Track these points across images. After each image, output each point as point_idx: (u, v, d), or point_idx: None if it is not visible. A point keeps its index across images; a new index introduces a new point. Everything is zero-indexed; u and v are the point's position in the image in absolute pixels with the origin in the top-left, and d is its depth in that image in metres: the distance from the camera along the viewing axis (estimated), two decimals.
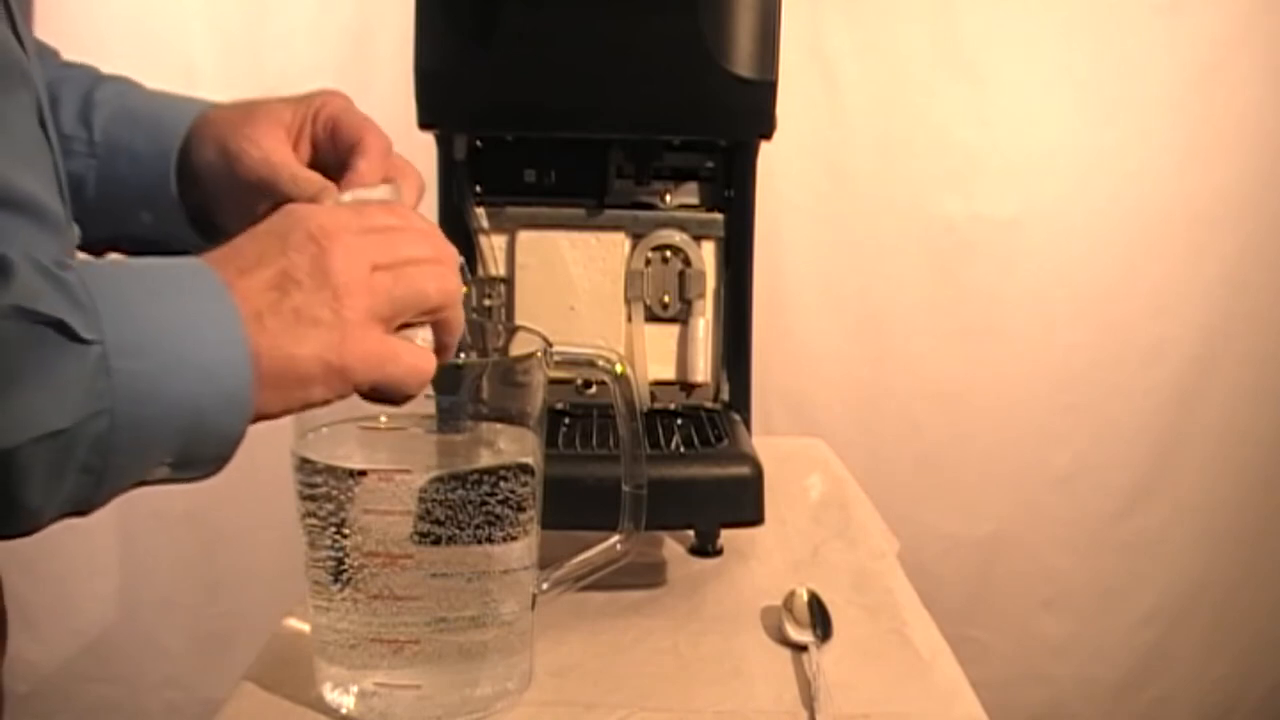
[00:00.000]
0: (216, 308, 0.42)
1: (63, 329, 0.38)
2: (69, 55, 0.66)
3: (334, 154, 0.62)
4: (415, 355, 0.49)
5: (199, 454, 0.43)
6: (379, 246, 0.48)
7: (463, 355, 0.69)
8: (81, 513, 0.42)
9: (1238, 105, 1.51)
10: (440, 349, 0.51)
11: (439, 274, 0.50)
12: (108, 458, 0.40)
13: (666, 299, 0.94)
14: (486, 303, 0.93)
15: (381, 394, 0.48)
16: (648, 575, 0.84)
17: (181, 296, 0.42)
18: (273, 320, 0.43)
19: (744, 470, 0.80)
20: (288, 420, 0.62)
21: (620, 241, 0.94)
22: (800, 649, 0.72)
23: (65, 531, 1.51)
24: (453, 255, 0.51)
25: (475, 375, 0.64)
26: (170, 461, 0.42)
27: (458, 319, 0.51)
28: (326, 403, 0.47)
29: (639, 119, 0.87)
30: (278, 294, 0.44)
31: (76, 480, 0.40)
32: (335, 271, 0.45)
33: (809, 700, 0.65)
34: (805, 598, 0.76)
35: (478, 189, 0.94)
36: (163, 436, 0.41)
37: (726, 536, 0.90)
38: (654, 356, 0.95)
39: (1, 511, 0.40)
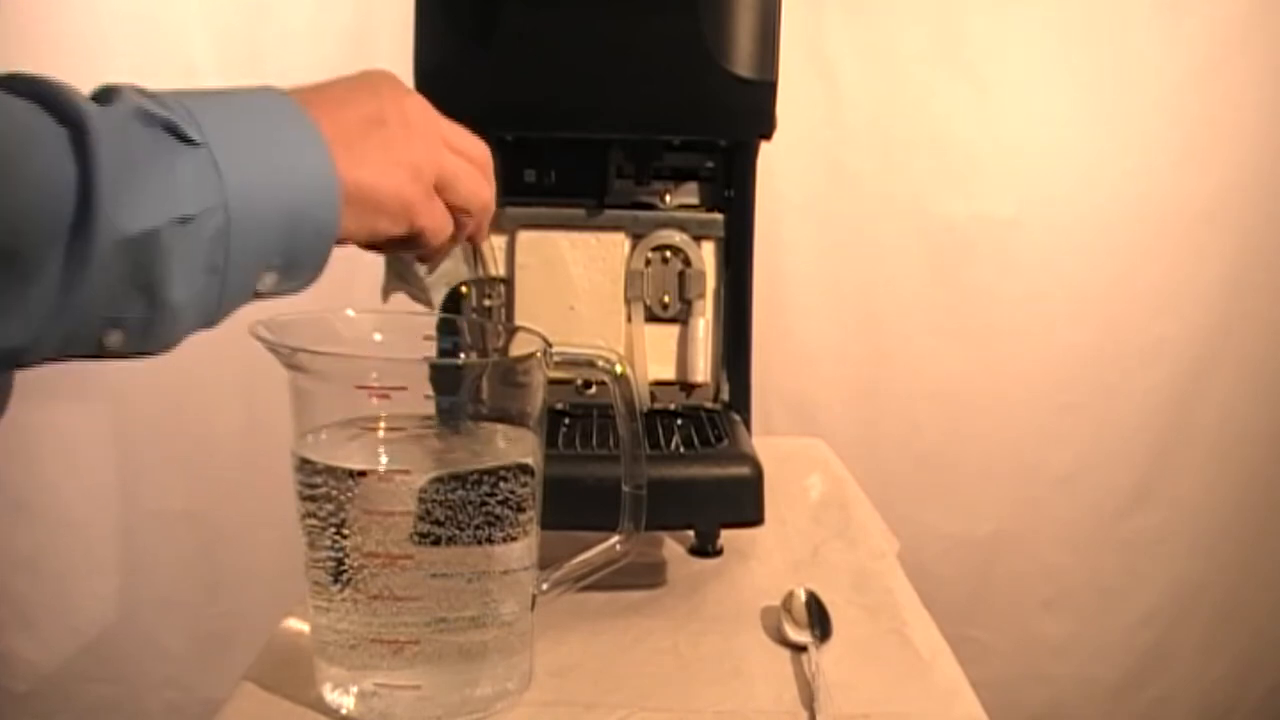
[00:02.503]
0: (302, 128, 0.46)
1: (173, 130, 0.42)
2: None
3: None
4: (447, 216, 0.54)
5: (301, 255, 0.47)
6: (449, 127, 0.53)
7: (462, 355, 0.69)
8: (207, 324, 0.46)
9: (1237, 105, 1.51)
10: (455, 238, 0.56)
11: (488, 184, 0.55)
12: (228, 254, 0.43)
13: (666, 299, 0.94)
14: (486, 303, 0.93)
15: (415, 244, 0.53)
16: (648, 575, 0.84)
17: (269, 115, 0.46)
18: (359, 147, 0.48)
19: (744, 470, 0.80)
20: (287, 420, 0.62)
21: (620, 241, 0.94)
22: (800, 649, 0.72)
23: (65, 531, 1.51)
24: (492, 181, 0.56)
25: (475, 375, 0.64)
26: (278, 264, 0.46)
27: (485, 230, 0.57)
28: (388, 241, 0.51)
29: (639, 119, 0.87)
30: (362, 130, 0.49)
31: (205, 281, 0.43)
32: (416, 124, 0.51)
33: (809, 700, 0.65)
34: (804, 598, 0.76)
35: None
36: (271, 233, 0.45)
37: (726, 536, 0.90)
38: (654, 356, 0.95)
39: (147, 309, 0.42)
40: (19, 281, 0.39)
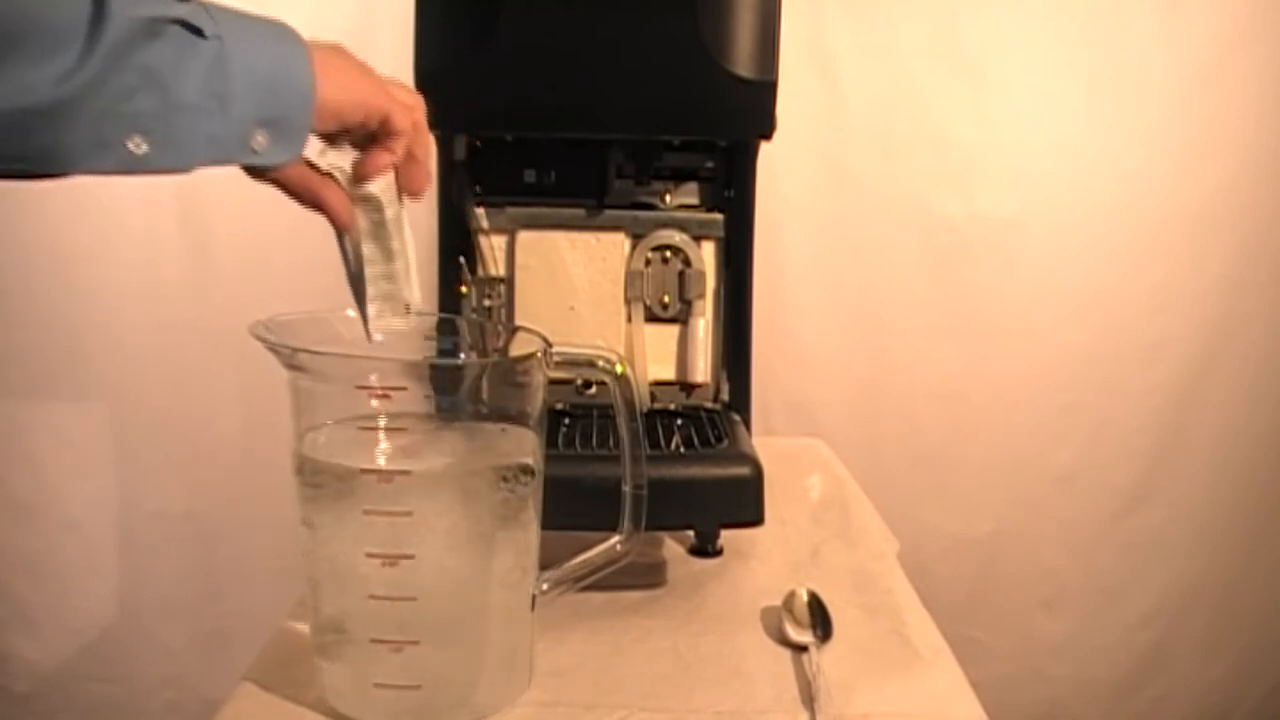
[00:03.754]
0: (295, 42, 0.56)
1: (191, 28, 0.50)
2: None
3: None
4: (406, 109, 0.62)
5: (287, 111, 0.55)
6: (389, 79, 0.62)
7: (462, 355, 0.69)
8: (218, 156, 0.53)
9: (1238, 105, 1.51)
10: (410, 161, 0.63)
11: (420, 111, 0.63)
12: (226, 82, 0.51)
13: (666, 299, 0.94)
14: (486, 303, 0.93)
15: (383, 131, 0.61)
16: (648, 575, 0.84)
17: (268, 25, 0.55)
18: (331, 59, 0.58)
19: (744, 470, 0.80)
20: (288, 420, 0.62)
21: (620, 241, 0.94)
22: (800, 649, 0.72)
23: (65, 531, 1.51)
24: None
25: (475, 375, 0.64)
26: (267, 117, 0.53)
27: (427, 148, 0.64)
28: (344, 131, 0.60)
29: (639, 119, 0.87)
30: (332, 50, 0.58)
31: (209, 97, 0.51)
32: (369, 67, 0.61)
33: (809, 700, 0.65)
34: (805, 598, 0.77)
35: (478, 189, 0.94)
36: (260, 80, 0.53)
37: (726, 536, 0.90)
38: (654, 356, 0.95)
39: (161, 105, 0.49)
40: (49, 40, 0.46)
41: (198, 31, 0.50)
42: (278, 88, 0.54)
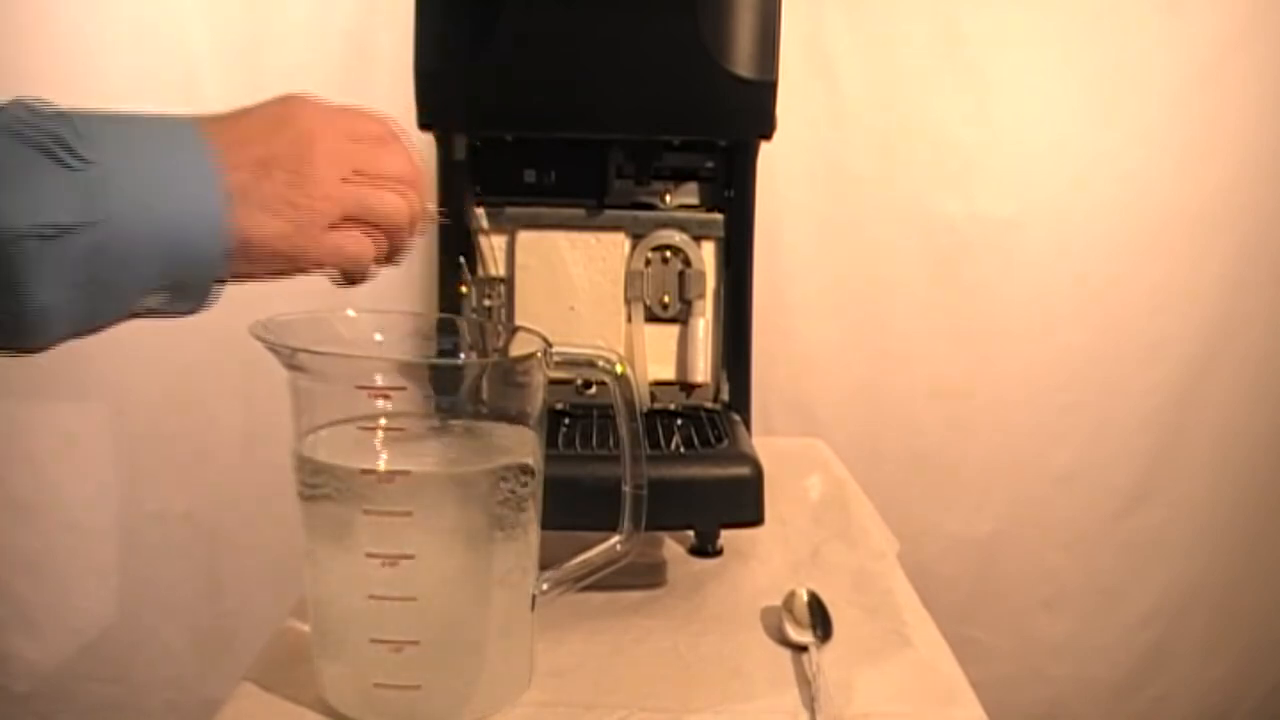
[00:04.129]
0: (200, 167, 0.46)
1: (48, 151, 0.43)
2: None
3: None
4: (360, 244, 0.54)
5: (187, 285, 0.47)
6: (362, 155, 0.53)
7: (462, 355, 0.69)
8: (86, 332, 0.46)
9: (1238, 105, 1.51)
10: (389, 259, 0.56)
11: (409, 195, 0.54)
12: (103, 271, 0.44)
13: (666, 299, 0.94)
14: (486, 303, 0.93)
15: (334, 276, 0.54)
16: (648, 575, 0.84)
17: (172, 146, 0.46)
18: (253, 196, 0.48)
19: (744, 470, 0.80)
20: (288, 420, 0.62)
21: (620, 241, 0.94)
22: (800, 649, 0.72)
23: (65, 531, 1.51)
24: (425, 179, 0.55)
25: (475, 375, 0.64)
26: (162, 287, 0.46)
27: (410, 241, 0.56)
28: (284, 275, 0.51)
29: (639, 119, 0.87)
30: (260, 173, 0.48)
31: (76, 293, 0.43)
32: (317, 167, 0.50)
33: (809, 700, 0.65)
34: (805, 598, 0.77)
35: (477, 189, 0.94)
36: (152, 262, 0.45)
37: (726, 536, 0.90)
38: (654, 356, 0.95)
39: (14, 307, 0.42)
40: None
41: (66, 229, 0.43)
42: (176, 263, 0.46)
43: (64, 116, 0.44)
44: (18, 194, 0.42)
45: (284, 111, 0.52)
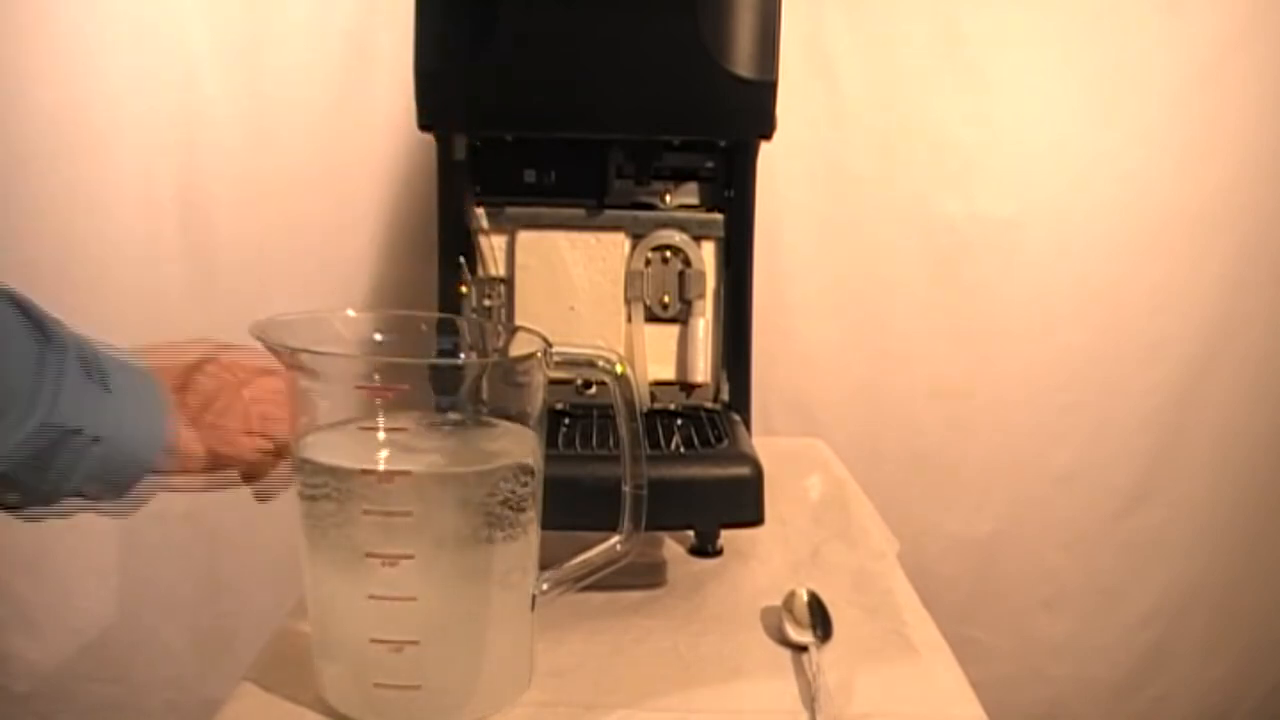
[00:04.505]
0: (159, 411, 0.64)
1: (102, 373, 0.61)
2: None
3: None
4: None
5: (115, 480, 0.62)
6: (268, 404, 0.68)
7: (462, 355, 0.69)
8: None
9: (1238, 105, 1.51)
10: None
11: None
12: (99, 469, 0.59)
13: (666, 299, 0.94)
14: (486, 303, 0.93)
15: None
16: (648, 575, 0.84)
17: (140, 397, 0.64)
18: (196, 426, 0.67)
19: (744, 470, 0.80)
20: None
21: (620, 241, 0.94)
22: (800, 649, 0.72)
23: (65, 531, 1.51)
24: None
25: (475, 375, 0.64)
26: (96, 475, 0.60)
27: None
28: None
29: (639, 119, 0.87)
30: (197, 410, 0.67)
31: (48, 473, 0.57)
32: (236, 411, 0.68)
33: (809, 700, 0.65)
34: (805, 598, 0.77)
35: (477, 189, 0.94)
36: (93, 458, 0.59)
37: (726, 536, 0.90)
38: (654, 356, 0.95)
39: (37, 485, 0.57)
40: None
41: (99, 440, 0.59)
42: (131, 469, 0.63)
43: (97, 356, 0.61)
44: (88, 412, 0.57)
45: (220, 378, 0.70)
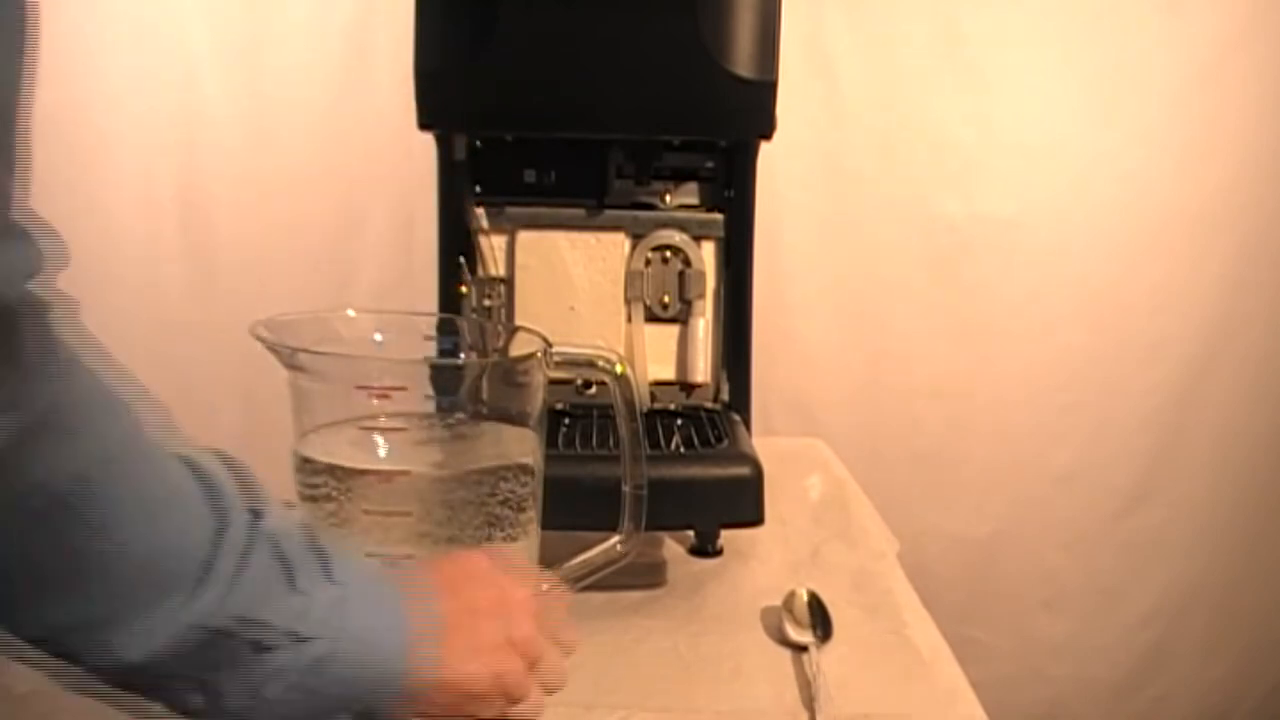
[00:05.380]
0: (400, 627, 0.51)
1: (325, 560, 0.48)
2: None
3: None
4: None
5: (371, 707, 0.50)
6: (519, 648, 0.56)
7: (462, 355, 0.69)
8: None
9: (1238, 105, 1.51)
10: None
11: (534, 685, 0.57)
12: (317, 681, 0.48)
13: (666, 299, 0.94)
14: (486, 303, 0.93)
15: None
16: (648, 575, 0.84)
17: (383, 608, 0.51)
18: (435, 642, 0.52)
19: (744, 470, 0.80)
20: (288, 420, 0.62)
21: (620, 241, 0.94)
22: (800, 649, 0.72)
23: None
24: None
25: (475, 375, 0.64)
26: (355, 710, 0.50)
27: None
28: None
29: (639, 119, 0.87)
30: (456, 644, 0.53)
31: (291, 694, 0.47)
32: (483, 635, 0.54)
33: (809, 700, 0.65)
34: (805, 598, 0.76)
35: (478, 189, 0.94)
36: (354, 680, 0.49)
37: (726, 536, 0.90)
38: (654, 356, 0.95)
39: (236, 688, 0.46)
40: (157, 596, 0.44)
41: (303, 639, 0.47)
42: (370, 687, 0.50)
43: (308, 547, 0.49)
44: (279, 602, 0.47)
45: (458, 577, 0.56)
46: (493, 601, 0.55)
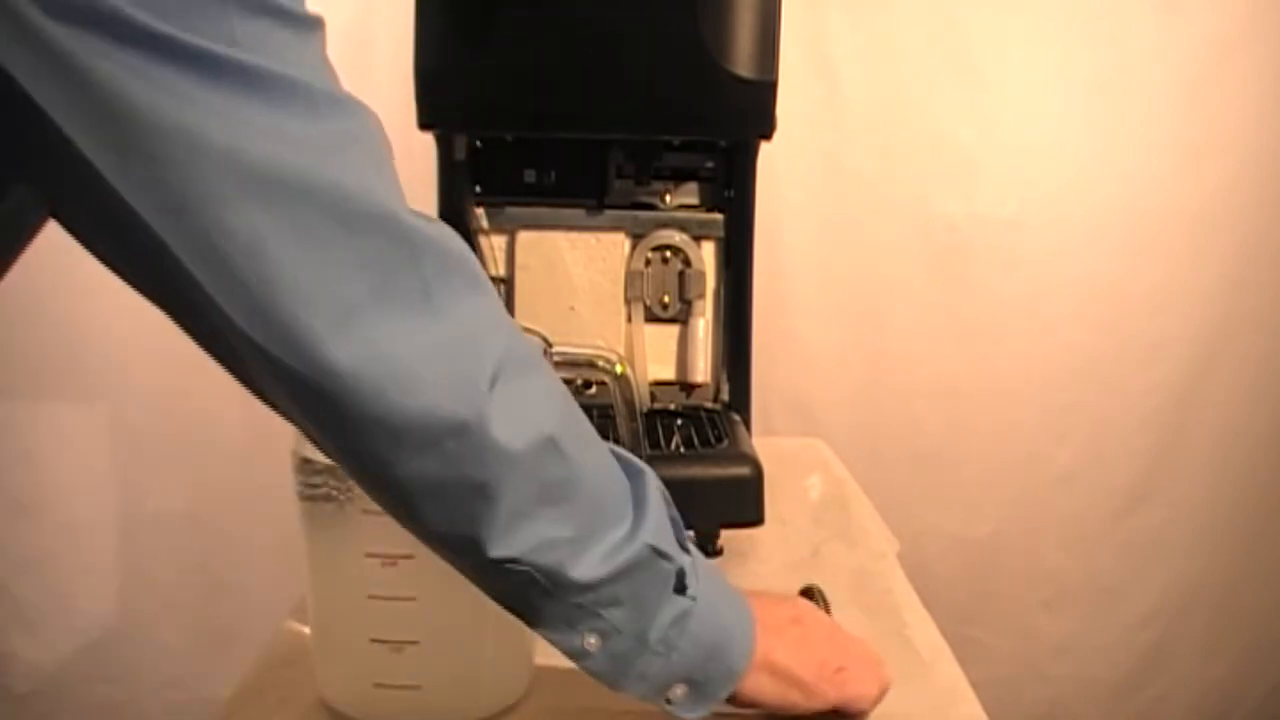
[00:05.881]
0: (743, 610, 0.59)
1: (680, 579, 0.55)
2: None
3: None
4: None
5: (710, 684, 0.56)
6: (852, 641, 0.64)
7: None
8: (638, 688, 0.55)
9: (1238, 105, 1.51)
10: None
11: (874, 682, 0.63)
12: (680, 636, 0.55)
13: (666, 299, 0.94)
14: None
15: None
16: None
17: (734, 605, 0.58)
18: (782, 633, 0.60)
19: (744, 470, 0.80)
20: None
21: (620, 241, 0.94)
22: None
23: (65, 531, 1.50)
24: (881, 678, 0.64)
25: None
26: (693, 679, 0.56)
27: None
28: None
29: (639, 119, 0.87)
30: (788, 624, 0.61)
31: (655, 650, 0.55)
32: (825, 628, 0.64)
33: None
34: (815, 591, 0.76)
35: (478, 189, 0.94)
36: (698, 653, 0.56)
37: (726, 536, 0.90)
38: (654, 356, 0.95)
39: (628, 623, 0.54)
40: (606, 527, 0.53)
41: (683, 589, 0.55)
42: (714, 657, 0.56)
43: (687, 545, 0.57)
44: (676, 552, 0.55)
45: (795, 605, 0.65)
46: (795, 616, 0.62)
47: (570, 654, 0.54)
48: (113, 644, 1.57)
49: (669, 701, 0.56)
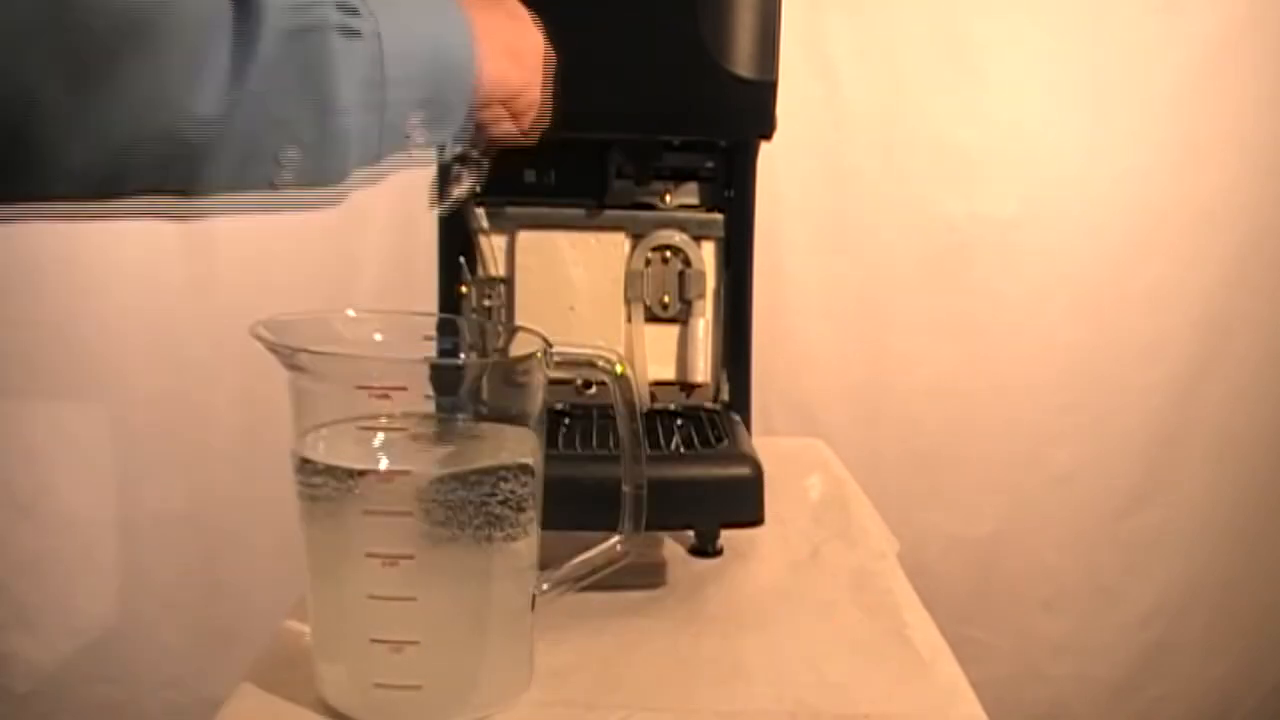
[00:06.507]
0: (456, 15, 0.55)
1: (345, 29, 0.48)
2: None
3: None
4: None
5: (446, 94, 0.53)
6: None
7: (462, 355, 0.69)
8: (371, 161, 0.51)
9: (1238, 105, 1.51)
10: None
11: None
12: (384, 76, 0.49)
13: (666, 299, 0.94)
14: (486, 303, 0.93)
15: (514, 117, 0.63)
16: (648, 576, 0.84)
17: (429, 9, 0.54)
18: (491, 38, 0.57)
19: (744, 470, 0.80)
20: (288, 420, 0.62)
21: (620, 241, 0.94)
22: None
23: (65, 531, 1.50)
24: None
25: (475, 375, 0.64)
26: (426, 97, 0.52)
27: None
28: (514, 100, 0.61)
29: (639, 119, 0.87)
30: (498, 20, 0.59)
31: (366, 96, 0.49)
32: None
33: None
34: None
35: (478, 189, 0.94)
36: (418, 65, 0.51)
37: (726, 536, 0.90)
38: (654, 356, 0.95)
39: (318, 118, 0.47)
40: (193, 56, 0.42)
41: (354, 32, 0.48)
42: (436, 70, 0.52)
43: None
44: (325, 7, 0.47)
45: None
46: (509, 14, 0.60)
47: (264, 188, 0.48)
48: (113, 644, 1.57)
49: (408, 138, 0.52)
